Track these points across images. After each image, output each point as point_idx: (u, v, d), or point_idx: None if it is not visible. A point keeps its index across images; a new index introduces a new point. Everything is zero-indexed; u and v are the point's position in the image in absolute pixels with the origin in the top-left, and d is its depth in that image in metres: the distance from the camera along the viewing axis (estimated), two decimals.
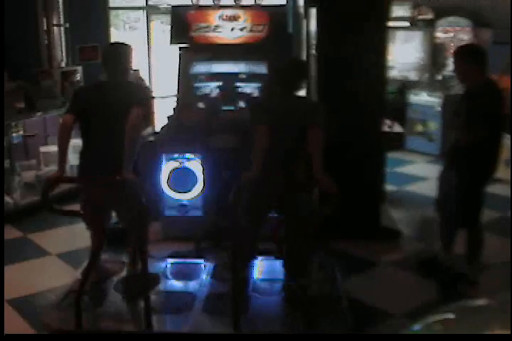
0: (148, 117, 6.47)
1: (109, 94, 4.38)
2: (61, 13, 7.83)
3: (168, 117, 5.99)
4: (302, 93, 4.99)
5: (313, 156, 4.11)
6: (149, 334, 4.20)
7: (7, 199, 6.34)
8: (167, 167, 5.57)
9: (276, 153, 4.18)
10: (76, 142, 4.72)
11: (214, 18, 6.05)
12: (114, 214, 4.85)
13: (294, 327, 4.21)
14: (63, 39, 7.91)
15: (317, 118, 4.21)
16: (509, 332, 2.07)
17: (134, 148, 4.26)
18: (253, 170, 4.11)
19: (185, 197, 5.65)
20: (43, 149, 6.95)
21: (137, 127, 4.28)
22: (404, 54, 9.28)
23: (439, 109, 8.43)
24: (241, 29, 6.02)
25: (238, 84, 6.00)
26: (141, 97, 4.41)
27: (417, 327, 2.36)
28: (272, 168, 4.16)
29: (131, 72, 7.66)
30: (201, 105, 5.96)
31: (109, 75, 4.50)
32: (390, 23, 5.91)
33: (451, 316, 2.38)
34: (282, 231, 4.60)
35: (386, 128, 6.41)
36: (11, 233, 6.02)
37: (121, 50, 4.55)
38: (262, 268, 5.04)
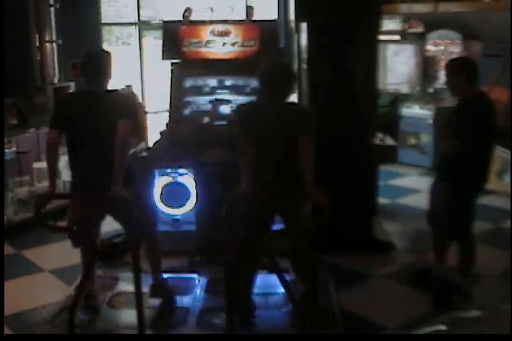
0: (140, 132, 6.48)
1: (93, 103, 4.32)
2: (53, 29, 7.85)
3: (160, 132, 6.00)
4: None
5: (304, 168, 4.10)
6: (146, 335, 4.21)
7: None
8: (160, 182, 5.58)
9: (266, 164, 4.16)
10: None
11: (205, 33, 6.09)
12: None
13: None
14: (56, 55, 7.93)
15: (307, 128, 4.16)
16: None
17: (123, 163, 4.21)
18: (244, 185, 4.11)
19: (178, 212, 5.65)
20: (35, 165, 6.94)
21: (126, 141, 4.24)
22: (395, 67, 9.32)
23: (431, 121, 8.47)
24: (232, 44, 6.06)
25: (230, 98, 6.03)
26: (128, 109, 4.38)
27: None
28: (263, 181, 4.15)
29: (125, 87, 7.76)
30: (193, 120, 5.98)
31: (88, 82, 4.43)
32: (381, 37, 5.95)
33: (442, 328, 2.40)
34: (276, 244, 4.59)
35: (378, 142, 6.42)
36: (4, 249, 5.99)
37: (101, 57, 4.50)
38: (256, 282, 5.03)
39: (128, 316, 4.55)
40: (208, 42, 6.09)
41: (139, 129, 7.29)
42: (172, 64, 6.17)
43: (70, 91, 7.65)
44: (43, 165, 6.73)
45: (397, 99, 9.14)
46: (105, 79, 4.42)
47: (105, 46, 9.29)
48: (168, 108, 6.11)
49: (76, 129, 4.31)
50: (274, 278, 4.57)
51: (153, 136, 6.66)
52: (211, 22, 6.18)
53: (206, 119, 5.95)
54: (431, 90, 9.11)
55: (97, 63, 4.40)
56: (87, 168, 4.32)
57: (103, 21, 9.03)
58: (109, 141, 4.16)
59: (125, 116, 4.24)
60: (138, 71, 9.31)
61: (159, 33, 7.12)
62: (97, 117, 4.26)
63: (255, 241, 4.39)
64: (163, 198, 5.58)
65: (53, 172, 4.36)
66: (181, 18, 6.26)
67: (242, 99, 5.99)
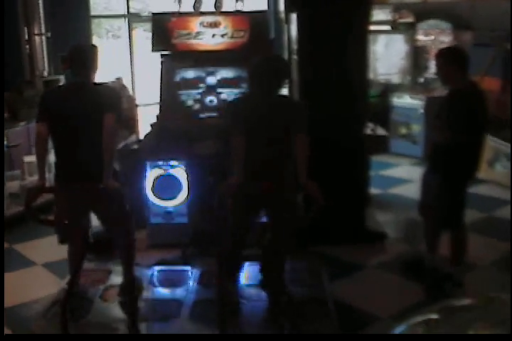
0: (130, 124, 6.47)
1: (78, 96, 4.29)
2: (42, 23, 7.81)
3: (151, 125, 5.99)
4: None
5: (298, 162, 4.09)
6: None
7: None
8: (151, 174, 5.57)
9: (257, 156, 4.15)
10: None
11: (195, 25, 6.06)
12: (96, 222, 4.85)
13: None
14: (45, 48, 7.89)
15: (303, 125, 4.16)
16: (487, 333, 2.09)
17: (112, 155, 4.21)
18: (234, 177, 4.11)
19: (170, 204, 5.64)
20: (26, 159, 6.91)
21: (113, 133, 4.22)
22: (385, 57, 9.32)
23: (422, 111, 8.48)
24: (222, 35, 6.03)
25: (220, 90, 6.02)
26: (113, 103, 4.34)
27: (400, 328, 2.38)
28: (254, 173, 4.15)
29: (115, 80, 7.74)
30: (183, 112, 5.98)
31: (76, 76, 4.40)
32: (371, 27, 5.95)
33: (434, 316, 2.40)
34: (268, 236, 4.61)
35: (369, 132, 6.43)
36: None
37: (87, 50, 4.49)
38: (248, 273, 5.04)
39: (120, 309, 4.56)
40: (198, 33, 6.05)
41: (129, 122, 7.28)
42: (162, 56, 6.14)
43: (60, 84, 7.63)
44: (33, 158, 6.68)
45: (388, 89, 9.15)
46: (91, 71, 4.39)
47: (95, 39, 9.26)
48: (158, 100, 6.09)
49: (61, 122, 4.28)
50: None
51: (143, 129, 6.64)
52: (200, 13, 6.14)
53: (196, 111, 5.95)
54: (421, 80, 9.11)
55: (83, 56, 4.38)
56: (72, 161, 4.30)
57: (92, 14, 8.99)
58: (93, 133, 4.14)
59: (110, 109, 4.21)
60: (128, 63, 9.27)
61: (149, 26, 7.08)
62: (81, 110, 4.23)
63: (242, 233, 4.41)
64: (155, 190, 5.57)
65: (43, 165, 4.34)
66: (171, 10, 6.22)
67: (232, 91, 5.98)
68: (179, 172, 5.57)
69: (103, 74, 4.56)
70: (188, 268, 5.24)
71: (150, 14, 7.37)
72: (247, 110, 4.32)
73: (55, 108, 4.31)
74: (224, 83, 6.05)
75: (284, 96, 4.59)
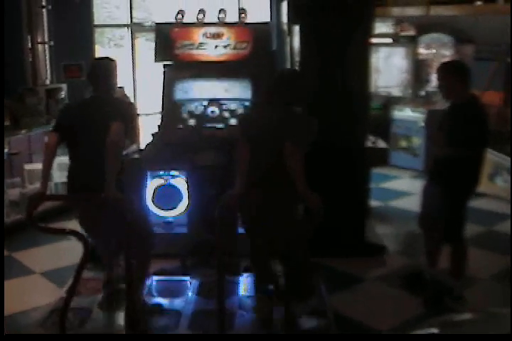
0: (132, 134, 6.47)
1: (93, 111, 4.34)
2: (46, 31, 7.84)
3: (152, 134, 5.99)
4: None
5: (292, 174, 4.07)
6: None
7: None
8: (152, 184, 5.57)
9: (259, 167, 4.16)
10: (61, 160, 4.69)
11: (198, 35, 6.08)
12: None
13: None
14: (48, 57, 7.91)
15: (292, 134, 4.12)
16: None
17: (115, 164, 4.20)
18: (237, 188, 4.11)
19: (170, 214, 5.64)
20: (27, 167, 6.92)
21: (117, 142, 4.21)
22: (387, 70, 9.35)
23: (423, 124, 8.49)
24: (225, 46, 6.04)
25: (222, 101, 6.02)
26: (122, 113, 4.37)
27: None
28: (255, 184, 4.15)
29: (117, 88, 7.74)
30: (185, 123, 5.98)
31: (94, 91, 4.47)
32: (373, 40, 5.96)
33: (434, 330, 2.40)
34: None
35: (370, 144, 6.43)
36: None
37: (107, 65, 4.55)
38: (248, 284, 5.03)
39: (119, 318, 4.54)
40: (201, 44, 6.07)
41: (131, 131, 7.27)
42: (164, 66, 6.16)
43: (62, 92, 7.66)
44: (34, 166, 6.73)
45: (389, 101, 9.17)
46: (110, 87, 4.50)
47: (97, 48, 9.28)
48: (160, 110, 6.10)
49: (76, 135, 4.33)
50: None
51: (145, 138, 6.64)
52: (203, 24, 6.16)
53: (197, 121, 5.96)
54: (423, 93, 9.14)
55: (101, 72, 4.47)
56: (85, 171, 4.32)
57: (95, 23, 9.02)
58: (100, 144, 4.16)
59: (117, 118, 4.23)
60: (130, 73, 9.30)
61: (152, 35, 7.11)
62: (95, 123, 4.27)
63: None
64: (156, 200, 5.57)
65: (47, 174, 4.35)
66: (174, 20, 6.23)
67: (234, 102, 5.99)
68: (180, 182, 5.57)
69: None
70: (188, 278, 5.23)
71: (153, 24, 7.40)
72: (253, 119, 4.38)
73: (73, 120, 4.39)
74: (226, 94, 6.06)
75: (291, 109, 4.53)
